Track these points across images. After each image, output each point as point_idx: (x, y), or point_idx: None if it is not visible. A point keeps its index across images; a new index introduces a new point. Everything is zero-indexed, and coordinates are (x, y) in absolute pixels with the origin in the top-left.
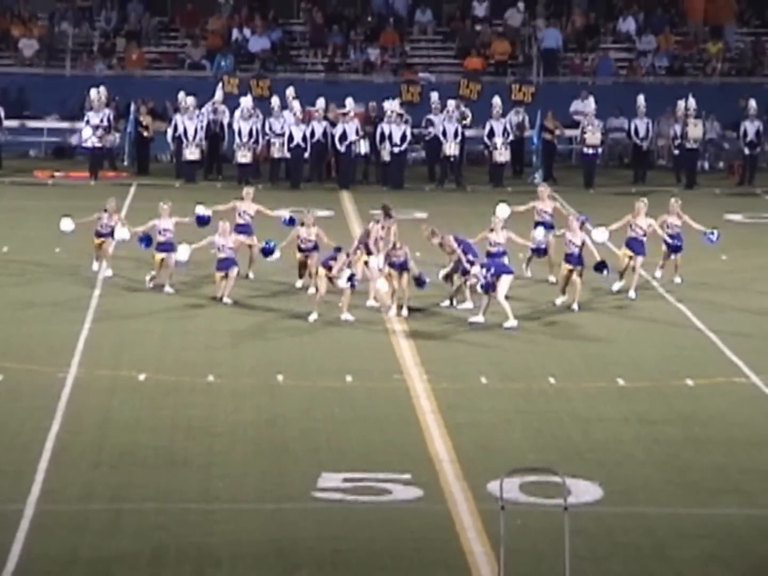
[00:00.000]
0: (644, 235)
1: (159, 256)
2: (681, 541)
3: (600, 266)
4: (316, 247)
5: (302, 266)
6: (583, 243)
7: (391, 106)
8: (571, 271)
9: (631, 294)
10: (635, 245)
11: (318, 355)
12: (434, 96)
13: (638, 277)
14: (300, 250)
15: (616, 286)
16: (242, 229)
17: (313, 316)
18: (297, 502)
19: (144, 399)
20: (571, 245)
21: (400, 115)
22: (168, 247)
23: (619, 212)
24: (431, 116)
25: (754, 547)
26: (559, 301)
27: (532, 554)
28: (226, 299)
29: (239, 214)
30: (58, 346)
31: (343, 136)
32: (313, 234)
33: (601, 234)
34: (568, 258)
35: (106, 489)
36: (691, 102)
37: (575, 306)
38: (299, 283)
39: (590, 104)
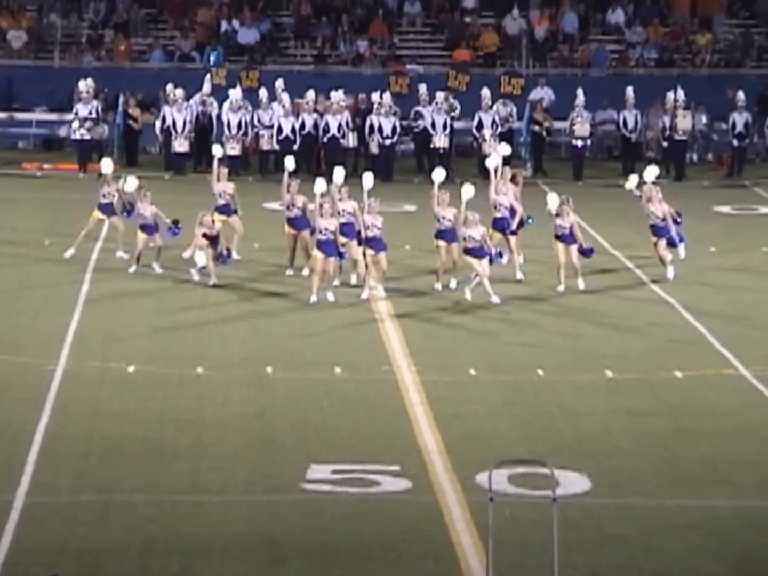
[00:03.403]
0: (663, 220)
1: (142, 236)
2: (669, 532)
3: (586, 251)
4: (306, 222)
5: (292, 249)
6: (572, 226)
7: (385, 99)
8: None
9: (670, 275)
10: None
11: (307, 347)
12: (423, 88)
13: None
14: (289, 223)
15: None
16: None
17: (313, 298)
18: (286, 493)
19: (133, 391)
20: (560, 228)
21: (390, 107)
22: (150, 229)
23: (608, 204)
24: (420, 108)
25: (742, 538)
26: (561, 288)
27: (521, 545)
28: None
29: (219, 195)
30: (48, 338)
31: (326, 129)
32: (300, 201)
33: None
34: (560, 237)
35: (95, 481)
36: (680, 93)
37: (582, 284)
38: (290, 272)
39: (549, 93)
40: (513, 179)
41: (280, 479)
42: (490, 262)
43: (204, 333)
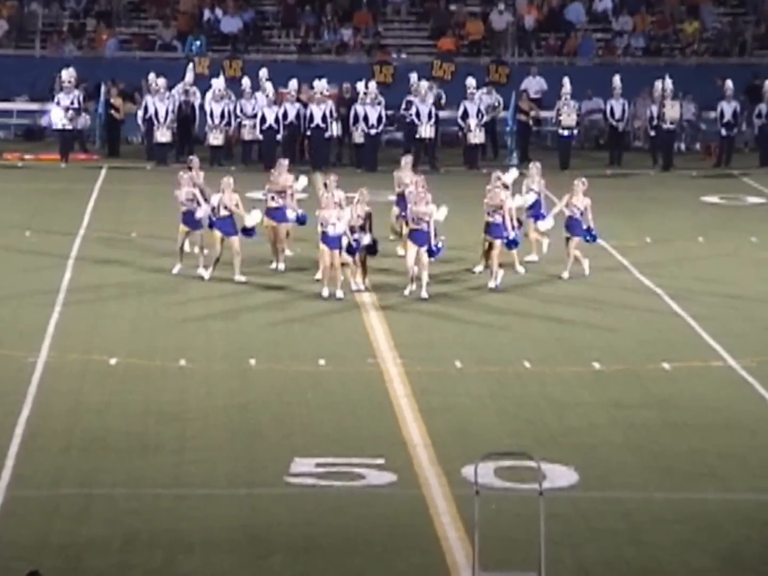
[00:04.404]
0: (581, 214)
1: (218, 234)
2: (657, 526)
3: (510, 243)
4: (285, 215)
5: (273, 242)
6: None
7: (370, 87)
8: (491, 245)
9: (564, 275)
10: (573, 225)
11: (291, 339)
12: (413, 77)
13: (574, 259)
14: (269, 214)
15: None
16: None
17: (324, 292)
18: (270, 487)
19: (115, 383)
20: (495, 215)
21: (375, 96)
22: (228, 226)
23: (594, 194)
24: (411, 98)
25: (731, 532)
26: (478, 271)
27: (507, 539)
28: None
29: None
30: (29, 331)
31: (311, 119)
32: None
33: (547, 223)
34: (490, 230)
35: (76, 474)
36: (668, 83)
37: (493, 283)
38: (281, 265)
39: (542, 83)
40: (414, 167)
41: (263, 473)
42: (430, 255)
43: (187, 325)
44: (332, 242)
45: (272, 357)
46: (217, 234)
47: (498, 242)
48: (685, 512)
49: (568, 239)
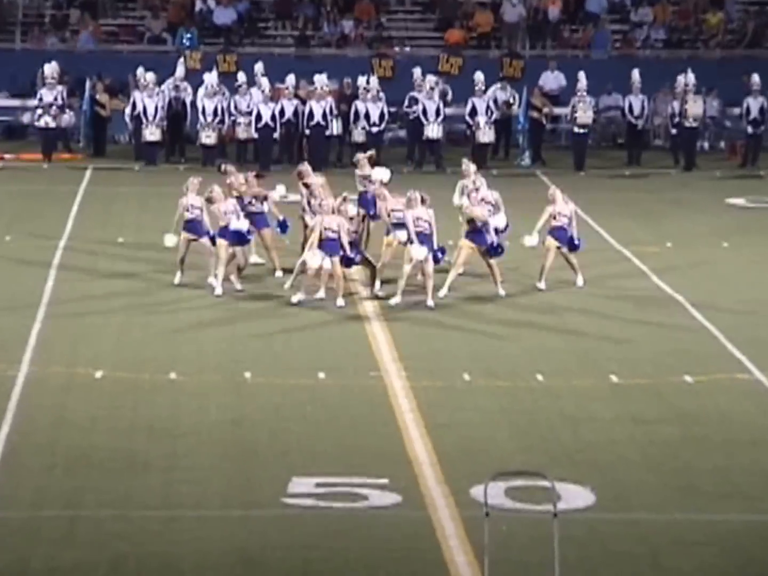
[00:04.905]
0: (569, 223)
1: (185, 236)
2: (678, 549)
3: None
4: (265, 220)
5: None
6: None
7: (372, 83)
8: (483, 254)
9: (579, 283)
10: (561, 234)
11: (288, 351)
12: (417, 72)
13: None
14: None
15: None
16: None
17: (297, 297)
18: (266, 508)
19: (101, 398)
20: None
21: (377, 92)
22: (197, 227)
23: (611, 196)
24: (415, 94)
25: (757, 555)
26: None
27: (519, 564)
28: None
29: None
30: (9, 342)
31: (310, 116)
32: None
33: (531, 240)
34: (472, 237)
35: (60, 494)
36: (691, 77)
37: (442, 291)
38: (277, 272)
39: (561, 78)
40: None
41: (259, 493)
42: (435, 261)
43: (177, 336)
44: (331, 249)
45: (268, 369)
46: (222, 243)
47: (484, 249)
48: (709, 534)
49: (558, 248)
